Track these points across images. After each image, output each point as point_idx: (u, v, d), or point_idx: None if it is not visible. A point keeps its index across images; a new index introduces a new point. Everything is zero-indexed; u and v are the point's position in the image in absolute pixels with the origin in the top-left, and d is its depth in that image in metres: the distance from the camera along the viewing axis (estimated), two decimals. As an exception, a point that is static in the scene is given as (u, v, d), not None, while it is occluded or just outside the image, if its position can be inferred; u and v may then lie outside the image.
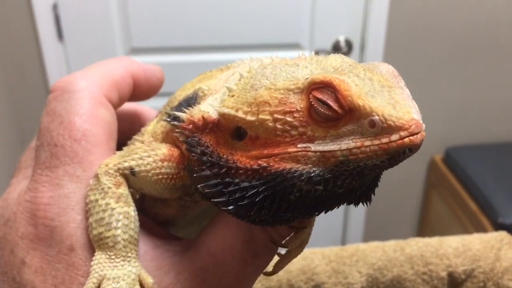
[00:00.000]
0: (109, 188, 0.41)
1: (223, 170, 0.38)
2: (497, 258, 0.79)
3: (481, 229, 2.17)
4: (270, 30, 2.28)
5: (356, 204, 0.42)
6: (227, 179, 0.38)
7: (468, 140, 2.64)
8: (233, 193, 0.37)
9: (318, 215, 0.41)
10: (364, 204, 0.43)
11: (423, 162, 2.72)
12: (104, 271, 0.39)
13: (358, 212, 2.70)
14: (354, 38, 2.34)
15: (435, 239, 0.84)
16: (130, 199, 0.42)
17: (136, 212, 0.42)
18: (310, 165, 0.35)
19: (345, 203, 0.40)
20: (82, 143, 0.43)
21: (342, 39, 2.32)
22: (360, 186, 0.38)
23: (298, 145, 0.36)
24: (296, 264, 0.81)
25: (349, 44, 2.33)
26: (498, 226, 2.10)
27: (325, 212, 0.40)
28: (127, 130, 0.53)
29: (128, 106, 0.57)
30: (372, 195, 0.43)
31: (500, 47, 2.46)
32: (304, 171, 0.35)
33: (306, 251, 0.84)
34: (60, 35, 2.22)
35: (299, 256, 0.83)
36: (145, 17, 2.22)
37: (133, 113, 0.57)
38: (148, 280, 0.40)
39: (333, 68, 0.39)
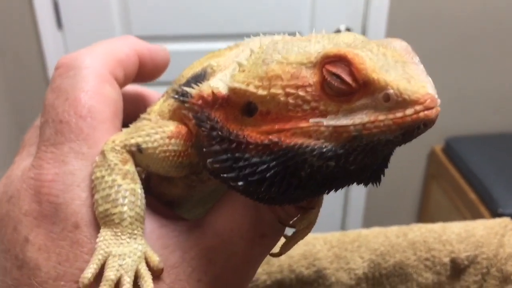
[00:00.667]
0: (116, 164, 0.40)
1: (233, 145, 0.37)
2: (501, 244, 0.78)
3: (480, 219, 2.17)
4: (270, 18, 2.26)
5: (366, 183, 0.41)
6: (237, 154, 0.37)
7: (468, 130, 2.64)
8: (243, 169, 0.37)
9: (328, 193, 0.40)
10: (374, 184, 0.42)
11: (423, 153, 2.72)
12: (109, 248, 0.38)
13: (357, 202, 2.70)
14: (355, 26, 2.32)
15: (438, 225, 0.83)
16: (136, 176, 0.42)
17: (142, 190, 0.42)
18: (323, 140, 0.35)
19: (356, 182, 0.40)
20: (87, 119, 0.42)
21: (343, 28, 2.30)
22: (372, 163, 0.37)
23: (310, 120, 0.35)
24: (297, 249, 0.80)
25: (350, 33, 2.31)
26: (497, 217, 2.09)
27: (335, 191, 0.39)
28: (131, 112, 0.52)
29: (133, 88, 0.56)
30: (383, 175, 0.42)
31: (501, 38, 2.45)
32: (316, 146, 0.35)
33: (308, 236, 0.83)
34: (59, 23, 2.21)
35: (300, 241, 0.83)
36: (144, 5, 2.20)
37: (138, 95, 0.57)
38: (154, 258, 0.39)
39: (345, 44, 0.38)
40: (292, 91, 0.36)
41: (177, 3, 2.21)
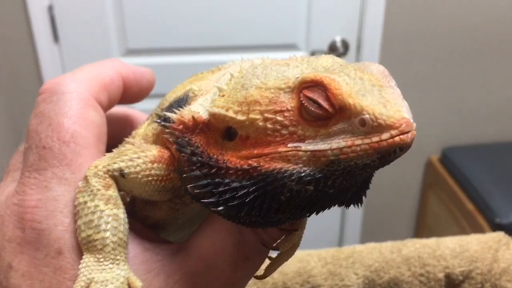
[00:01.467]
0: (98, 190, 0.40)
1: (213, 170, 0.38)
2: (495, 259, 0.78)
3: (478, 229, 2.17)
4: (266, 30, 2.27)
5: (347, 205, 0.42)
6: (217, 179, 0.37)
7: (465, 140, 2.64)
8: (223, 194, 0.37)
9: (309, 216, 0.40)
10: (356, 206, 0.42)
11: (420, 163, 2.72)
12: (92, 274, 0.38)
13: (355, 213, 2.70)
14: (351, 38, 2.33)
15: (432, 240, 0.83)
16: (119, 201, 0.42)
17: (125, 215, 0.42)
18: (301, 165, 0.35)
19: (337, 205, 0.40)
20: (70, 145, 0.42)
21: (338, 40, 2.31)
22: (351, 186, 0.38)
23: (289, 145, 0.36)
24: (291, 266, 0.80)
25: (345, 45, 2.32)
26: (495, 227, 2.10)
27: (316, 214, 0.39)
28: (118, 134, 0.52)
29: (120, 110, 0.56)
30: (364, 197, 0.42)
31: (497, 47, 2.47)
32: (294, 171, 0.35)
33: (302, 252, 0.83)
34: (55, 36, 2.21)
35: (294, 258, 0.82)
36: (140, 19, 2.21)
37: (124, 117, 0.57)
38: (137, 283, 0.39)
39: (323, 68, 0.39)
40: (271, 116, 0.36)
41: (173, 16, 2.21)
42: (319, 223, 2.61)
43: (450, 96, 2.55)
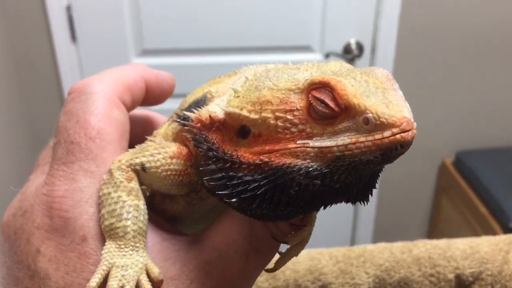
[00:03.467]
0: (121, 182, 0.43)
1: (228, 164, 0.40)
2: (505, 261, 0.79)
3: (491, 233, 2.16)
4: (281, 32, 2.29)
5: (354, 202, 0.44)
6: (231, 173, 0.40)
7: (479, 144, 2.63)
8: (236, 186, 0.40)
9: (317, 211, 0.43)
10: (362, 203, 0.44)
11: (434, 166, 2.71)
12: (113, 259, 0.41)
13: (367, 215, 2.70)
14: (365, 41, 2.34)
15: (442, 241, 0.83)
16: (140, 193, 0.45)
17: (145, 206, 0.44)
18: (309, 160, 0.38)
19: (343, 201, 0.42)
20: (96, 141, 0.45)
21: (353, 42, 2.32)
22: (356, 182, 0.40)
23: (298, 142, 0.38)
24: (303, 264, 0.81)
25: (360, 47, 2.33)
26: (508, 231, 2.09)
27: (324, 208, 0.42)
28: (140, 134, 0.55)
29: (142, 111, 0.60)
30: (370, 195, 0.45)
31: (512, 51, 2.45)
32: (303, 166, 0.38)
33: (313, 251, 0.84)
34: (73, 36, 2.25)
35: (306, 256, 0.84)
36: (156, 19, 2.24)
37: (146, 118, 0.60)
38: (155, 269, 0.42)
39: (332, 72, 0.42)
40: (281, 115, 0.39)
41: (188, 18, 2.24)
42: (331, 225, 2.62)
43: (465, 99, 2.54)
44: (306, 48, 2.33)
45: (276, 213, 0.40)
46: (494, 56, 2.45)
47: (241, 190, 0.39)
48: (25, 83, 2.34)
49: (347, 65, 0.43)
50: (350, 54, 2.31)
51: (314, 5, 2.25)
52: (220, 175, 0.40)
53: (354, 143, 0.37)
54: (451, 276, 0.79)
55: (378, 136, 0.36)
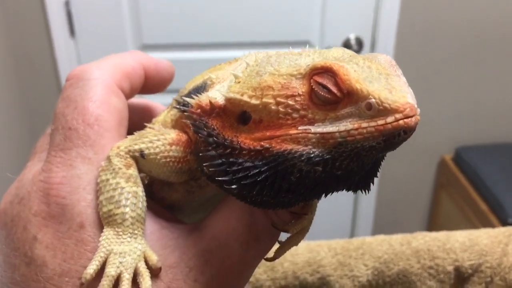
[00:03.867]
0: (120, 168, 0.43)
1: (228, 150, 0.40)
2: (505, 253, 0.78)
3: (490, 229, 2.16)
4: (280, 27, 2.28)
5: (355, 190, 0.43)
6: (231, 159, 0.39)
7: (478, 139, 2.63)
8: (237, 173, 0.39)
9: (318, 198, 0.42)
10: (363, 192, 0.44)
11: (433, 162, 2.71)
12: (111, 246, 0.41)
13: (367, 209, 2.70)
14: (365, 36, 2.33)
15: (442, 233, 0.83)
16: (139, 180, 0.44)
17: (144, 193, 0.44)
18: (310, 146, 0.37)
19: (344, 188, 0.42)
20: (94, 127, 0.45)
21: (352, 37, 2.32)
22: (358, 169, 0.39)
23: (299, 127, 0.38)
24: (302, 256, 0.81)
25: (359, 42, 2.32)
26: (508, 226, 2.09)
27: (325, 196, 0.41)
28: (138, 122, 0.55)
29: (141, 101, 0.59)
30: (371, 184, 0.44)
31: (512, 46, 2.45)
32: (304, 152, 0.37)
33: (312, 243, 0.84)
34: (72, 31, 2.24)
35: (305, 248, 0.83)
36: (155, 14, 2.23)
37: (144, 106, 0.60)
38: (153, 257, 0.41)
39: (334, 58, 0.41)
40: (283, 100, 0.38)
41: (187, 13, 2.23)
42: (331, 217, 2.62)
43: (464, 95, 2.53)
44: (305, 43, 2.32)
45: (276, 200, 0.40)
46: (494, 51, 2.45)
47: (242, 176, 0.39)
48: (24, 77, 2.34)
49: (349, 52, 0.43)
50: (350, 49, 2.31)
51: (313, 0, 2.24)
52: (220, 161, 0.40)
53: (356, 129, 0.36)
54: (450, 268, 0.79)
55: (381, 122, 0.35)
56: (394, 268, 0.79)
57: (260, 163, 0.38)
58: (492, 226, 2.15)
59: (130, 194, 0.43)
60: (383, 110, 0.35)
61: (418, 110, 0.36)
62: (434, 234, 0.83)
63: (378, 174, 0.44)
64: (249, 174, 0.38)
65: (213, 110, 0.42)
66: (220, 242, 0.43)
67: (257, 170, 0.38)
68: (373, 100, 0.36)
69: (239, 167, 0.39)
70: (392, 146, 0.37)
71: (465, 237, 0.81)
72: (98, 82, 0.47)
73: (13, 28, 2.24)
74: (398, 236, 0.83)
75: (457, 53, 2.44)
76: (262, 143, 0.38)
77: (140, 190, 0.44)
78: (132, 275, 0.41)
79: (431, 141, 2.62)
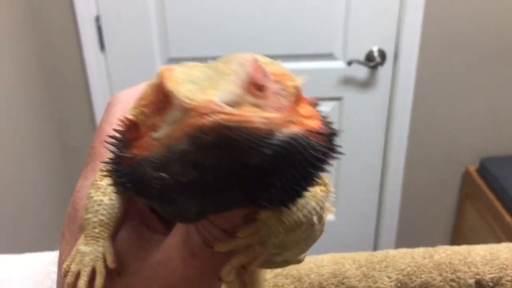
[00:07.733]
0: (96, 180, 0.48)
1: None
2: (525, 267, 0.80)
3: (515, 241, 2.14)
4: (303, 40, 2.32)
5: (256, 204, 0.37)
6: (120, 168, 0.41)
7: (504, 151, 2.61)
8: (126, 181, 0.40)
9: (214, 211, 0.38)
10: (274, 206, 0.37)
11: (458, 173, 2.70)
12: (79, 247, 0.47)
13: (390, 222, 2.70)
14: (388, 48, 2.35)
15: (463, 247, 0.86)
16: (108, 190, 0.47)
17: (113, 201, 0.47)
18: (154, 152, 0.36)
19: (237, 200, 0.37)
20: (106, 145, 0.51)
21: (375, 49, 2.34)
22: (202, 177, 0.35)
23: (150, 134, 0.37)
24: (327, 268, 0.84)
25: (382, 55, 2.34)
26: (533, 239, 2.08)
27: (215, 212, 0.38)
28: None
29: None
30: (258, 195, 0.37)
31: (537, 58, 2.44)
32: (149, 157, 0.36)
33: (337, 255, 0.87)
34: (102, 45, 2.32)
35: (330, 260, 0.86)
36: (182, 29, 2.29)
37: None
38: (109, 259, 0.45)
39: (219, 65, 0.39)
40: (144, 109, 0.39)
41: (213, 26, 2.29)
42: (353, 231, 2.63)
43: (489, 105, 2.53)
44: (328, 56, 2.35)
45: (165, 211, 0.39)
46: (519, 63, 2.44)
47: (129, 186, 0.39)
48: (55, 90, 2.41)
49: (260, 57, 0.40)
50: (373, 61, 2.33)
51: (337, 13, 2.27)
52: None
53: (171, 132, 0.34)
54: (471, 281, 0.81)
55: (184, 123, 0.33)
56: (417, 280, 0.82)
57: (129, 171, 0.38)
58: (517, 238, 2.14)
59: (96, 202, 0.47)
60: (184, 110, 0.33)
61: (227, 109, 0.32)
62: (455, 248, 0.85)
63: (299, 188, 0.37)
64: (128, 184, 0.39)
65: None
66: (166, 256, 0.45)
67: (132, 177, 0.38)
68: (177, 100, 0.34)
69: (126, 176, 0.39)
70: (207, 149, 0.33)
71: (486, 251, 0.84)
72: (120, 107, 0.52)
73: (46, 44, 2.32)
74: (420, 250, 0.86)
75: (481, 64, 2.43)
76: (135, 151, 0.38)
77: (106, 199, 0.47)
78: (89, 272, 0.45)
79: (455, 152, 2.62)
